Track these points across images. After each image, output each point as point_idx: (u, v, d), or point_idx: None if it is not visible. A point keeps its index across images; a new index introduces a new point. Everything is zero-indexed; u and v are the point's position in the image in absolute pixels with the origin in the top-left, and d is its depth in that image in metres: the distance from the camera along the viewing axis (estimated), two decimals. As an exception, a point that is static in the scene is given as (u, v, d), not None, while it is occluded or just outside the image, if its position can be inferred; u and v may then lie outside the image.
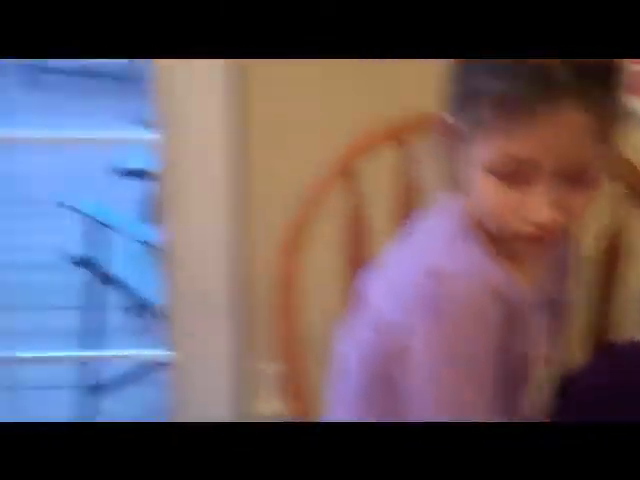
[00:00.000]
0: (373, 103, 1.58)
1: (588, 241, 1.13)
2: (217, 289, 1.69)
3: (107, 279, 2.21)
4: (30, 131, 1.89)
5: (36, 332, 1.95)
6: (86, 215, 2.12)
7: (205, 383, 1.79)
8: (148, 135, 1.70)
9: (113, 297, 2.57)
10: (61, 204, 2.13)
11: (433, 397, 0.91)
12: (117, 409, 2.24)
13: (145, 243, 2.11)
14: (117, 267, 2.20)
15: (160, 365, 2.23)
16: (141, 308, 2.21)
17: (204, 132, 1.61)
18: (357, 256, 1.19)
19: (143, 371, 2.30)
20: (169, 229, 1.70)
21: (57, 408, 2.16)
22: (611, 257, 1.22)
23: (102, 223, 2.13)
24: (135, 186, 2.83)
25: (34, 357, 1.94)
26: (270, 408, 1.80)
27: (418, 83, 1.28)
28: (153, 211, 2.65)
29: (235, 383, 1.79)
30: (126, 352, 2.13)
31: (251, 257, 1.70)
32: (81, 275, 2.22)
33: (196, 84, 1.58)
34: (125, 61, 5.09)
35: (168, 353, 1.86)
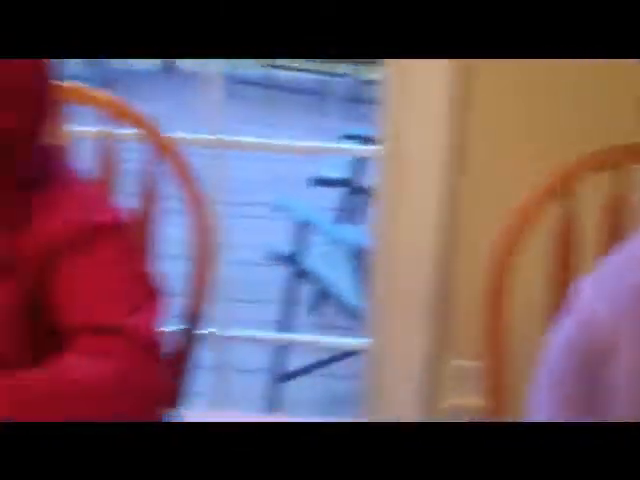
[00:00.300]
0: (596, 121, 1.70)
1: None
2: (419, 288, 1.85)
3: (306, 276, 2.40)
4: (250, 138, 2.09)
5: (241, 322, 2.15)
6: (294, 217, 2.31)
7: (397, 375, 1.94)
8: (368, 148, 1.88)
9: (308, 292, 2.78)
10: (275, 207, 2.32)
11: (634, 398, 1.01)
12: (305, 395, 2.44)
13: (344, 244, 2.29)
14: (315, 265, 2.39)
15: (351, 355, 2.41)
16: (334, 303, 2.38)
17: (422, 144, 1.76)
18: (567, 266, 1.30)
19: (330, 361, 2.49)
20: (379, 232, 1.87)
21: (254, 390, 2.38)
22: None
23: (307, 224, 2.31)
24: (330, 193, 3.06)
25: (244, 336, 2.13)
26: (460, 403, 1.94)
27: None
28: (351, 216, 2.85)
29: (427, 376, 1.93)
30: (326, 338, 2.30)
31: (455, 261, 1.84)
32: (283, 271, 2.42)
33: (417, 99, 1.74)
34: (311, 76, 5.36)
35: (365, 342, 2.02)
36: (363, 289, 2.24)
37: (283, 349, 2.41)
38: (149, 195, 1.36)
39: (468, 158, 1.78)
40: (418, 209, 1.81)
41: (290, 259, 2.36)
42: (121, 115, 1.38)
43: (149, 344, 0.98)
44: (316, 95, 5.22)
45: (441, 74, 1.70)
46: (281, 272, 2.45)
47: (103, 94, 1.39)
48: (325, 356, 2.51)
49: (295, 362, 2.47)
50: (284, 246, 2.39)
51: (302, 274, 2.39)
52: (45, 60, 1.00)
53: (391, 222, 1.83)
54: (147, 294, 1.04)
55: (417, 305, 1.86)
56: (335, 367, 2.50)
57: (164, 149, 1.36)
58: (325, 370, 2.50)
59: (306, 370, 2.48)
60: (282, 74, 5.40)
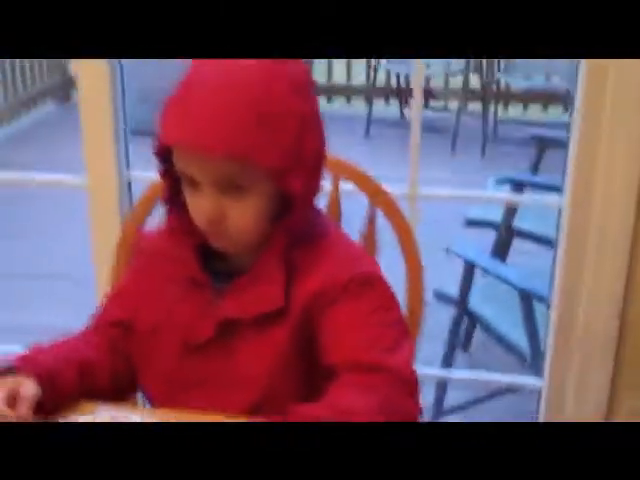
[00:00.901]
0: None
1: None
2: (600, 328, 1.93)
3: (471, 315, 2.50)
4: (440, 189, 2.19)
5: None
6: (463, 258, 2.41)
7: (574, 412, 2.02)
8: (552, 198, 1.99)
9: (472, 332, 2.86)
10: (446, 250, 2.42)
11: None
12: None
13: (507, 284, 2.37)
14: (480, 305, 2.48)
15: (507, 393, 2.48)
16: (498, 343, 2.45)
17: (608, 193, 1.84)
18: None
19: (488, 398, 2.56)
20: (561, 276, 1.96)
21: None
22: None
23: (473, 265, 2.41)
24: (481, 234, 3.15)
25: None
26: None
27: None
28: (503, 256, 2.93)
29: (603, 415, 2.00)
30: (496, 376, 2.35)
31: (634, 306, 1.92)
32: (450, 311, 2.52)
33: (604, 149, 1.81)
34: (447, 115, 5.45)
35: (537, 380, 2.10)
36: (528, 329, 2.31)
37: (444, 385, 2.50)
38: (370, 243, 1.48)
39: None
40: (598, 255, 1.89)
41: (456, 299, 2.45)
42: (334, 168, 1.47)
43: (408, 380, 1.09)
44: (447, 133, 5.31)
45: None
46: (448, 312, 2.54)
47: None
48: (482, 394, 2.59)
49: (453, 399, 2.55)
50: (451, 286, 2.49)
51: (467, 314, 2.48)
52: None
53: (572, 268, 1.91)
54: (402, 334, 1.15)
55: (596, 346, 1.94)
56: (492, 406, 2.56)
57: (379, 199, 1.47)
58: (483, 408, 2.57)
59: (465, 406, 2.57)
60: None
